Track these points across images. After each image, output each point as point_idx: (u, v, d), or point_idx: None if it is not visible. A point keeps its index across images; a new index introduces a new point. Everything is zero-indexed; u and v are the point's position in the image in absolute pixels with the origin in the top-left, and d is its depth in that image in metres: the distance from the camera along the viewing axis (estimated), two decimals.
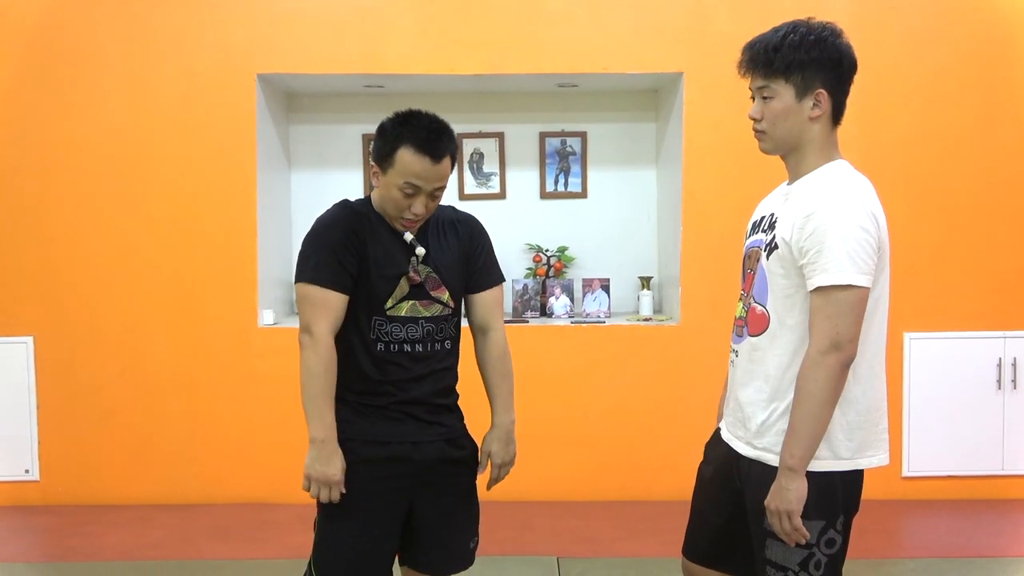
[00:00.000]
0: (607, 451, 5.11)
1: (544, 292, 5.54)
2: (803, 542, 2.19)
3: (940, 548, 4.46)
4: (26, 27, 4.98)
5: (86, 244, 5.05)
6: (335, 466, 2.37)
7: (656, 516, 4.85)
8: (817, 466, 2.19)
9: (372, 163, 2.47)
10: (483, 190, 5.73)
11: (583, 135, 5.77)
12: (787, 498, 2.16)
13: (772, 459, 2.23)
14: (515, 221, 5.72)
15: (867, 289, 2.15)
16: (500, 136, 5.72)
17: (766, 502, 2.20)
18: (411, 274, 2.47)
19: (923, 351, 5.04)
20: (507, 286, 5.55)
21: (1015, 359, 5.01)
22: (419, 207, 2.41)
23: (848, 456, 2.22)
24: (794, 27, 2.22)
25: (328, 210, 2.56)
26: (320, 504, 2.47)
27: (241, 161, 5.04)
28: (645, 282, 5.54)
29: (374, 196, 2.52)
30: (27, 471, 5.07)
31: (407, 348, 2.47)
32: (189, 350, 5.07)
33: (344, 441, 2.42)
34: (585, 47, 5.02)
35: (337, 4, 5.02)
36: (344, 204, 2.56)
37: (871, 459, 2.26)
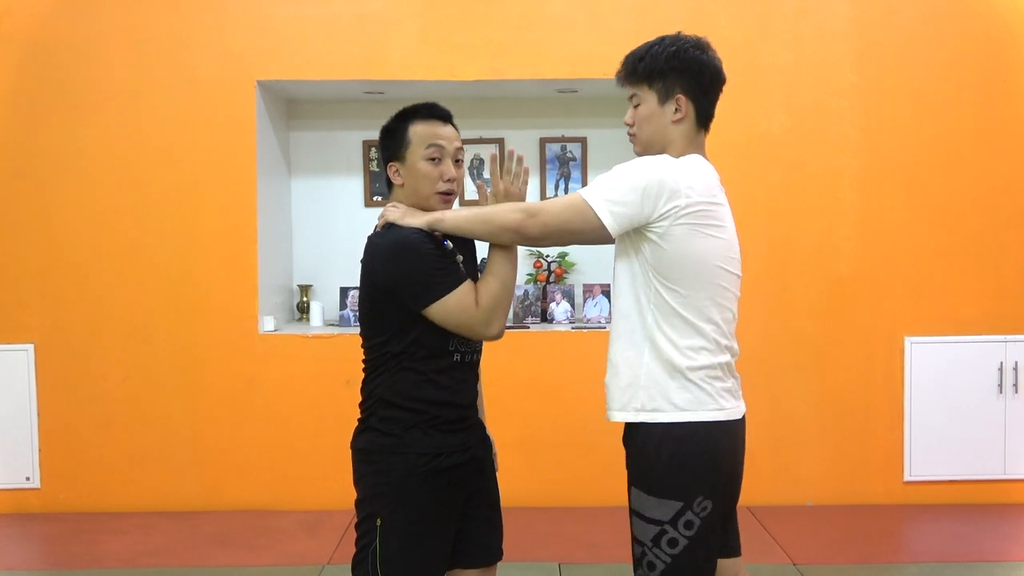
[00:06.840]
0: (608, 456, 5.06)
1: (545, 298, 5.54)
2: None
3: (942, 552, 4.45)
4: (27, 32, 4.99)
5: (87, 251, 5.05)
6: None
7: None
8: (659, 417, 2.22)
9: (391, 164, 2.46)
10: None
11: (583, 140, 5.77)
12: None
13: (629, 416, 2.27)
14: None
15: (592, 211, 2.22)
16: (500, 142, 5.73)
17: None
18: None
19: (924, 355, 5.03)
20: None
21: (1016, 363, 5.01)
22: (450, 169, 2.43)
23: (684, 407, 2.23)
24: (660, 40, 2.41)
25: (394, 234, 2.36)
26: (387, 534, 2.34)
27: (241, 167, 5.05)
28: None
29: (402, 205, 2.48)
30: (28, 478, 5.06)
31: (475, 357, 2.48)
32: (190, 357, 5.07)
33: (415, 456, 2.37)
34: (585, 53, 5.03)
35: (337, 10, 5.03)
36: (394, 227, 2.41)
37: (708, 412, 2.24)
